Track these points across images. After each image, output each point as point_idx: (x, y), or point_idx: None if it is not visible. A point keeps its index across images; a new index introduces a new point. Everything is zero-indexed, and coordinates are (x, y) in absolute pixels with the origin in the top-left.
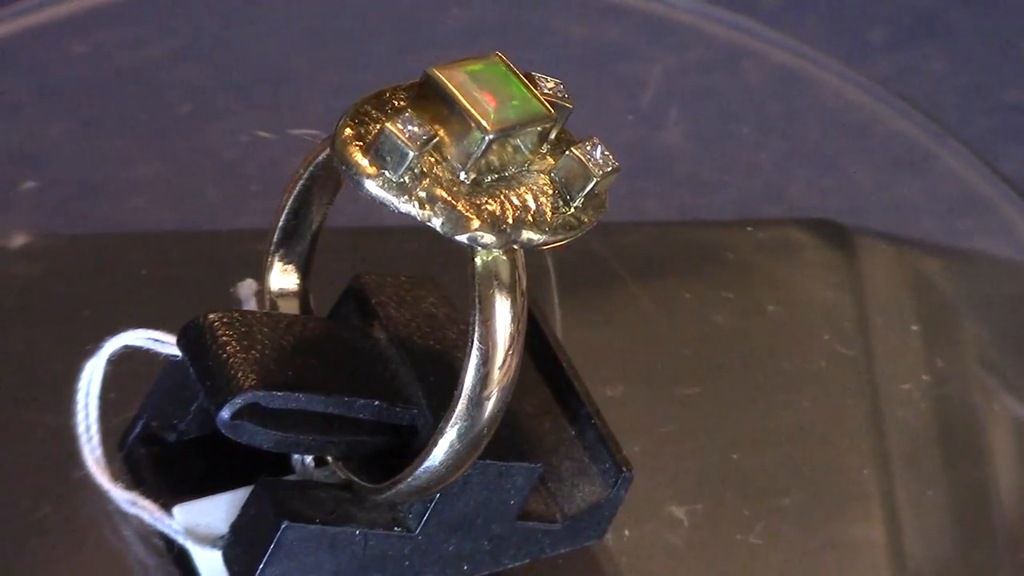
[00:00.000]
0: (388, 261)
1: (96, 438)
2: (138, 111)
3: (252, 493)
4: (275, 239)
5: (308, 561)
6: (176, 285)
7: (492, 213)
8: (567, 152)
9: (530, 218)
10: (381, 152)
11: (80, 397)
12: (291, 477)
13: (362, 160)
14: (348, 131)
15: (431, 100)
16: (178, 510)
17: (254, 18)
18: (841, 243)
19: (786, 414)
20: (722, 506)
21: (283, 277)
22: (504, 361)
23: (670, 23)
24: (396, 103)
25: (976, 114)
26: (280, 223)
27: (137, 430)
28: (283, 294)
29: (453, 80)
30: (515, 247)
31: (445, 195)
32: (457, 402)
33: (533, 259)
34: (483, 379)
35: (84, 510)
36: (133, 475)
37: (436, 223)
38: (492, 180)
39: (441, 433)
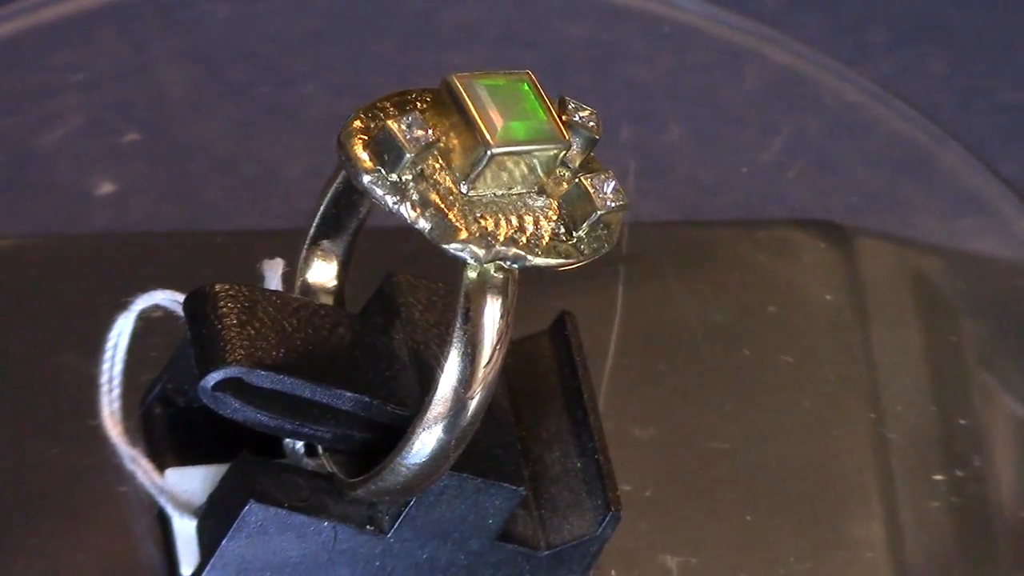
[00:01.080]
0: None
1: (116, 391)
2: (138, 111)
3: (230, 467)
4: (313, 229)
5: (273, 544)
6: (176, 285)
7: (484, 228)
8: (577, 180)
9: (524, 239)
10: (380, 149)
11: (108, 348)
12: (281, 460)
13: (361, 154)
14: (357, 123)
15: (448, 107)
16: (170, 473)
17: (254, 18)
18: (841, 243)
19: (786, 414)
20: (722, 507)
21: (320, 269)
22: (475, 382)
23: (670, 23)
24: (418, 104)
25: (976, 115)
26: (320, 212)
27: (156, 390)
28: (317, 288)
29: (469, 90)
30: (505, 266)
31: (439, 202)
32: (427, 407)
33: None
34: (452, 393)
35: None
36: (146, 433)
37: (425, 228)
38: (496, 196)
39: (410, 434)
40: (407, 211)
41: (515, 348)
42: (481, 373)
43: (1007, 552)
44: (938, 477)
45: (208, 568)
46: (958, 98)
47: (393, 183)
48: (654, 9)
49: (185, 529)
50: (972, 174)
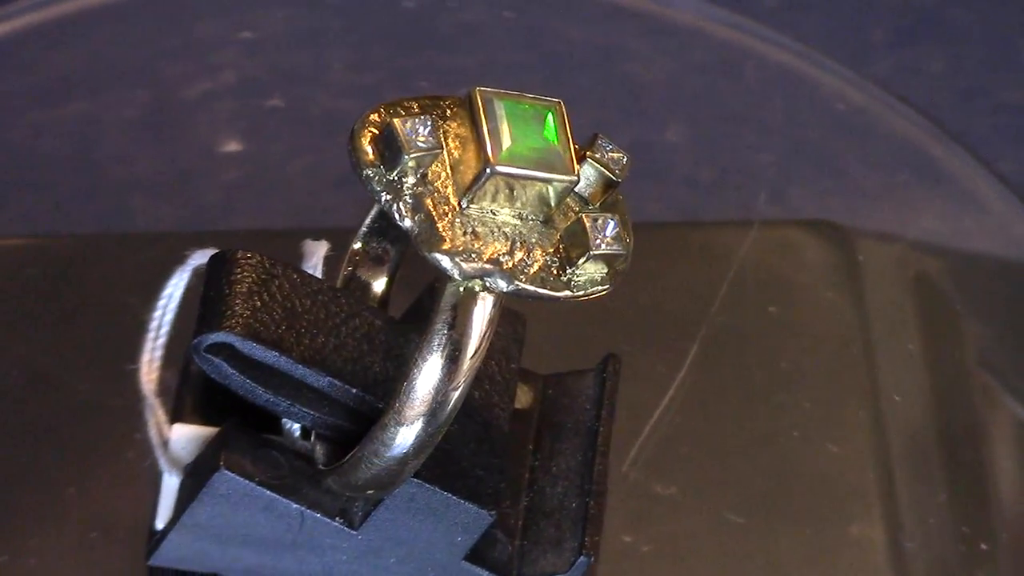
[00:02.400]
0: None
1: (162, 340)
2: (138, 110)
3: (216, 433)
4: (364, 227)
5: (241, 516)
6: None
7: (471, 243)
8: (579, 217)
9: (510, 264)
10: (382, 145)
11: (163, 297)
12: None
13: (366, 147)
14: (374, 116)
15: (466, 119)
16: (176, 428)
17: (254, 17)
18: (841, 244)
19: (786, 414)
20: (722, 505)
21: (368, 268)
22: (437, 395)
23: (671, 24)
24: (448, 111)
25: (976, 115)
26: (372, 211)
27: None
28: (362, 285)
29: (487, 106)
30: (488, 285)
31: (432, 209)
32: (389, 408)
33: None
34: (411, 399)
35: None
36: (179, 387)
37: (412, 231)
38: (497, 216)
39: (373, 433)
40: (397, 211)
41: (559, 380)
42: (442, 385)
43: (1007, 552)
44: (938, 477)
45: (175, 528)
46: (958, 98)
47: (390, 181)
48: (654, 9)
49: (171, 485)
50: (972, 174)
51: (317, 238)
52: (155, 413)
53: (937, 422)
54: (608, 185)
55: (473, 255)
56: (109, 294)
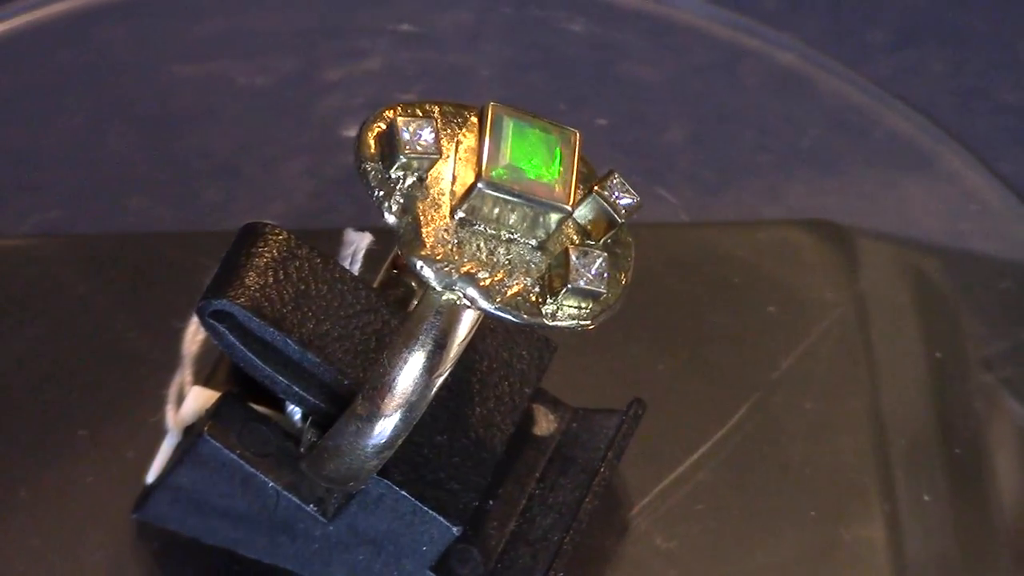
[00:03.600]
0: None
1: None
2: (138, 111)
3: (217, 399)
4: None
5: (220, 486)
6: (176, 285)
7: (451, 254)
8: (566, 249)
9: (487, 282)
10: (384, 142)
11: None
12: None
13: (369, 140)
14: (389, 113)
15: (475, 131)
16: (193, 390)
17: (254, 17)
18: (841, 244)
19: (786, 414)
20: (721, 506)
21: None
22: (398, 398)
23: (671, 24)
24: (470, 121)
25: (976, 115)
26: None
27: None
28: (399, 283)
29: (496, 122)
30: (462, 299)
31: (420, 213)
32: (354, 401)
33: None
34: (368, 400)
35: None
36: (221, 355)
37: (396, 232)
38: (489, 233)
39: (336, 426)
40: (386, 209)
41: (586, 416)
42: (399, 388)
43: (1007, 552)
44: (938, 477)
45: (159, 487)
46: (958, 98)
47: (385, 179)
48: (654, 9)
49: (171, 444)
50: (972, 174)
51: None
52: (183, 373)
53: (937, 422)
54: (610, 224)
55: (450, 266)
56: (109, 294)
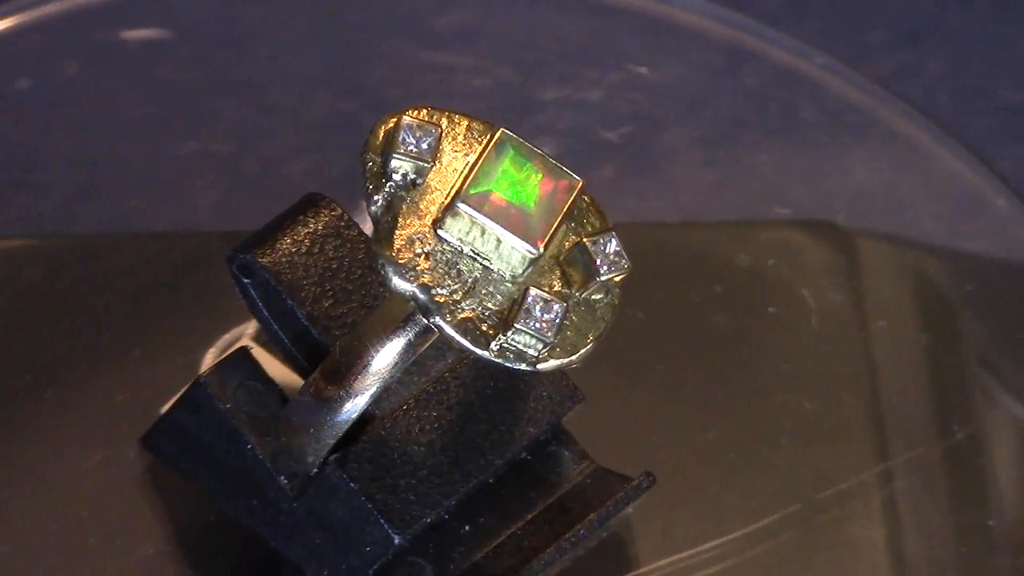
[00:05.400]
0: None
1: None
2: (138, 111)
3: (234, 349)
4: None
5: (208, 436)
6: (176, 285)
7: (416, 262)
8: (527, 288)
9: (443, 299)
10: (387, 138)
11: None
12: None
13: (379, 131)
14: (412, 112)
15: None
16: (245, 343)
17: (255, 18)
18: (841, 244)
19: (786, 414)
20: (721, 506)
21: None
22: (336, 380)
23: (670, 24)
24: (483, 138)
25: (975, 114)
26: None
27: None
28: None
29: (497, 147)
30: (418, 312)
31: (402, 216)
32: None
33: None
34: (319, 375)
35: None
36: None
37: (375, 226)
38: (465, 253)
39: (297, 393)
40: (371, 203)
41: (603, 474)
42: (346, 376)
43: (1007, 552)
44: (938, 477)
45: (161, 420)
46: (958, 98)
47: (380, 172)
48: (654, 9)
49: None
50: (972, 174)
51: None
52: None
53: (937, 422)
54: (588, 278)
55: (410, 273)
56: (109, 294)
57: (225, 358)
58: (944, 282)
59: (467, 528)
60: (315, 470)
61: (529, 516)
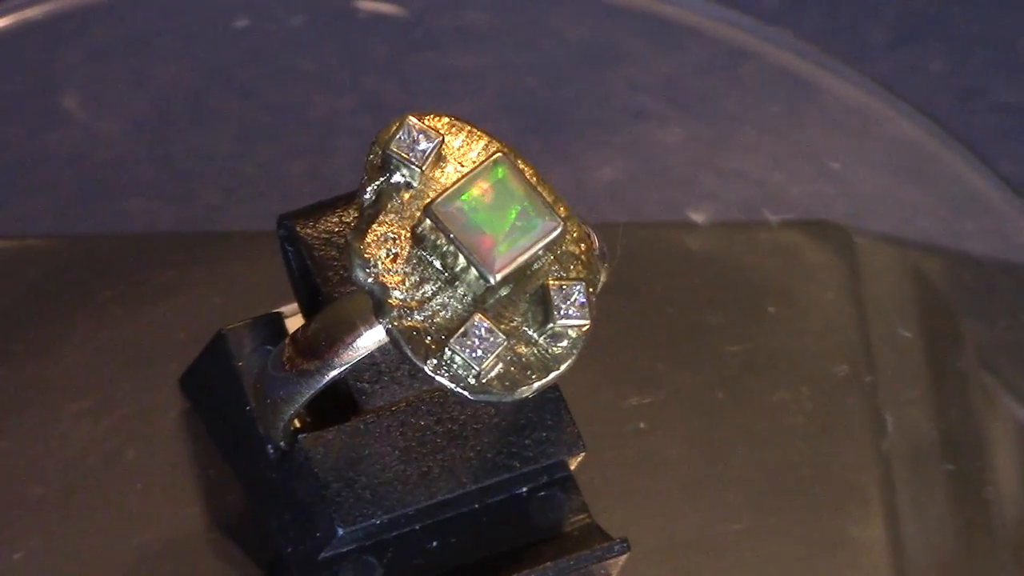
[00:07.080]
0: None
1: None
2: (138, 111)
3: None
4: None
5: (222, 390)
6: (176, 286)
7: (379, 259)
8: (474, 314)
9: (394, 301)
10: (391, 136)
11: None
12: None
13: (387, 131)
14: (433, 116)
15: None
16: (298, 317)
17: (255, 17)
18: (841, 244)
19: (786, 414)
20: (722, 505)
21: None
22: (299, 356)
23: (670, 23)
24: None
25: (976, 114)
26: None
27: None
28: None
29: (489, 166)
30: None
31: (384, 212)
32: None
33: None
34: (290, 343)
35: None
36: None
37: (359, 213)
38: (434, 265)
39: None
40: (362, 193)
41: (591, 531)
42: (305, 351)
43: (1007, 552)
44: (938, 477)
45: (193, 364)
46: (958, 98)
47: (379, 166)
48: (654, 9)
49: None
50: (972, 174)
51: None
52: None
53: (937, 422)
54: (546, 320)
55: (372, 270)
56: (109, 294)
57: (255, 318)
58: (944, 282)
59: (434, 544)
60: (282, 444)
61: (503, 550)
